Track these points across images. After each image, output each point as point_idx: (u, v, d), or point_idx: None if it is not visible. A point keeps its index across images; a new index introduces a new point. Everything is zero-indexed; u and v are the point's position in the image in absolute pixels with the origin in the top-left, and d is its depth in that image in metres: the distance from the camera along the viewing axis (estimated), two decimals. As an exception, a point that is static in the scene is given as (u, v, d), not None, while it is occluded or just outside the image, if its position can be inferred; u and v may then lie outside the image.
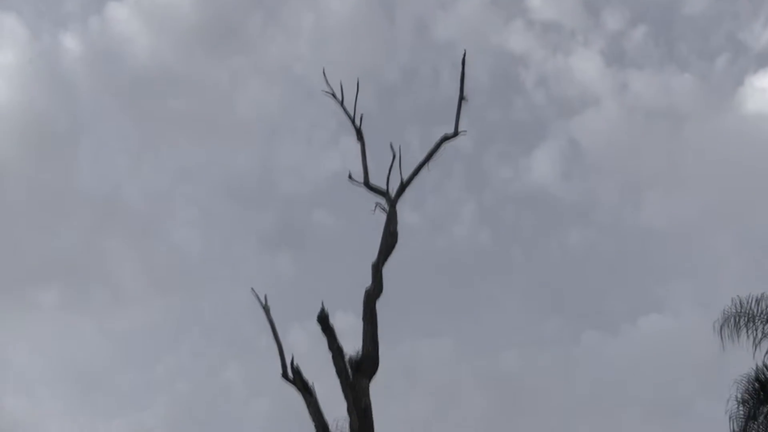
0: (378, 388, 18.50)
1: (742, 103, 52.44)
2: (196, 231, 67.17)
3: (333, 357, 18.54)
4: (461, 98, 20.58)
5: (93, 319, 68.82)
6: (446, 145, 20.35)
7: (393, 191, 20.24)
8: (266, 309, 19.43)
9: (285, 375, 18.48)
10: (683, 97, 54.56)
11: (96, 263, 65.08)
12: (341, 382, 18.23)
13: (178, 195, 56.97)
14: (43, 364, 72.07)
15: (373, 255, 19.67)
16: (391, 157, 20.03)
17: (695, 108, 54.35)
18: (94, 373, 72.57)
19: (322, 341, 18.77)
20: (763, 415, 19.58)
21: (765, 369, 19.91)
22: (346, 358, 18.47)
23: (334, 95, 20.92)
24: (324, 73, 20.99)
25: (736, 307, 20.77)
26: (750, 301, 20.60)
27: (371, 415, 17.85)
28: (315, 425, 17.70)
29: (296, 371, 18.42)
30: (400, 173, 20.18)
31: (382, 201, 20.21)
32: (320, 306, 18.68)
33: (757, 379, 19.92)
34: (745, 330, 20.41)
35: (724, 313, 20.76)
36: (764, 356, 20.07)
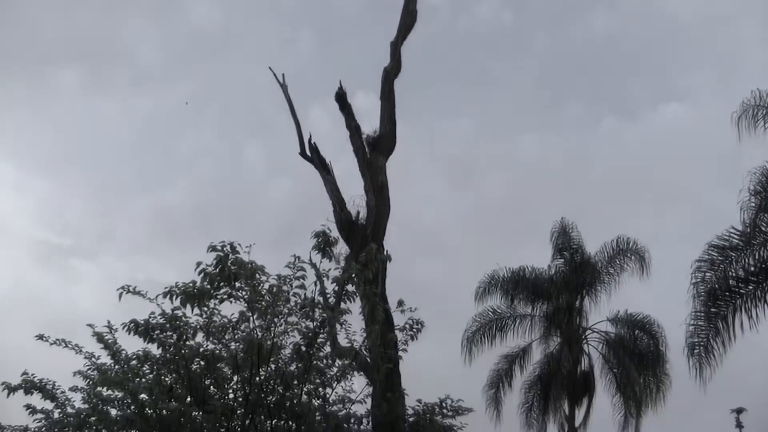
0: (396, 167, 18.70)
1: None
2: (217, 9, 65.87)
3: (350, 135, 18.61)
4: None
5: (114, 100, 68.81)
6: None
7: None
8: (284, 87, 19.29)
9: (303, 153, 18.62)
10: None
11: (116, 43, 64.35)
12: (358, 161, 18.38)
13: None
14: (67, 145, 72.85)
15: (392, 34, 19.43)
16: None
17: None
18: (118, 154, 73.50)
19: (341, 122, 18.82)
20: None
21: (779, 162, 19.94)
22: (364, 136, 18.54)
23: None
24: None
25: (755, 99, 20.59)
26: (769, 93, 20.41)
27: (388, 193, 18.13)
28: (332, 203, 17.99)
29: (314, 149, 18.54)
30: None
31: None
32: (338, 84, 18.62)
33: (770, 171, 19.98)
34: (762, 122, 20.35)
35: (742, 105, 20.62)
36: (779, 149, 20.07)
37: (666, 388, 29.31)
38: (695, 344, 19.70)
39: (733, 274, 19.71)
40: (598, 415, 29.74)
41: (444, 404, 15.73)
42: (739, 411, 38.22)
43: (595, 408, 29.80)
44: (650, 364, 29.50)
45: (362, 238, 16.83)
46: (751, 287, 19.51)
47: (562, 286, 29.99)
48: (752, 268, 19.55)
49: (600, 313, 30.37)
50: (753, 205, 19.48)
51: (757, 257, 19.53)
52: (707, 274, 19.76)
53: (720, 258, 19.79)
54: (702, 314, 19.71)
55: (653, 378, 29.47)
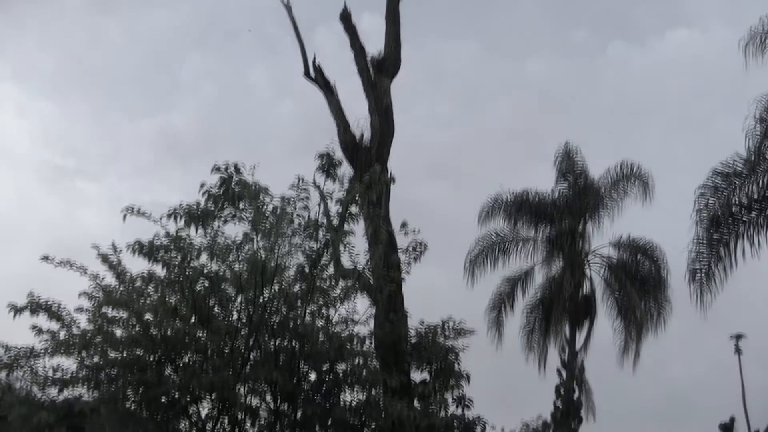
0: (401, 89, 18.51)
1: None
2: None
3: (355, 56, 18.38)
4: None
5: (120, 20, 67.97)
6: None
7: None
8: (288, 9, 18.96)
9: (307, 74, 18.38)
10: None
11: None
12: (363, 82, 18.18)
13: None
14: (72, 67, 72.24)
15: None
16: None
17: None
18: (122, 76, 72.94)
19: (346, 44, 18.58)
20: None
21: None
22: (369, 58, 18.31)
23: None
24: None
25: (763, 26, 20.23)
26: (776, 20, 20.04)
27: (392, 114, 17.96)
28: (336, 124, 17.83)
29: (318, 70, 18.31)
30: None
31: None
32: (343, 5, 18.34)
33: (776, 98, 19.76)
34: (769, 50, 20.04)
35: (750, 32, 20.26)
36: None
37: (666, 314, 29.50)
38: (697, 270, 19.73)
39: (737, 201, 19.62)
40: (598, 339, 30.00)
41: (446, 325, 15.85)
42: (738, 337, 38.64)
43: (596, 332, 30.05)
44: (651, 289, 29.64)
45: (366, 160, 16.72)
46: (753, 214, 19.44)
47: (565, 209, 29.97)
48: (755, 195, 19.45)
49: (603, 237, 30.41)
50: (758, 132, 19.30)
51: (760, 184, 19.40)
52: (710, 200, 19.68)
53: (724, 185, 19.68)
54: (704, 240, 19.69)
55: (654, 303, 29.64)
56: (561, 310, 28.76)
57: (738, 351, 38.47)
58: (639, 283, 29.55)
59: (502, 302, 30.22)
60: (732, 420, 35.86)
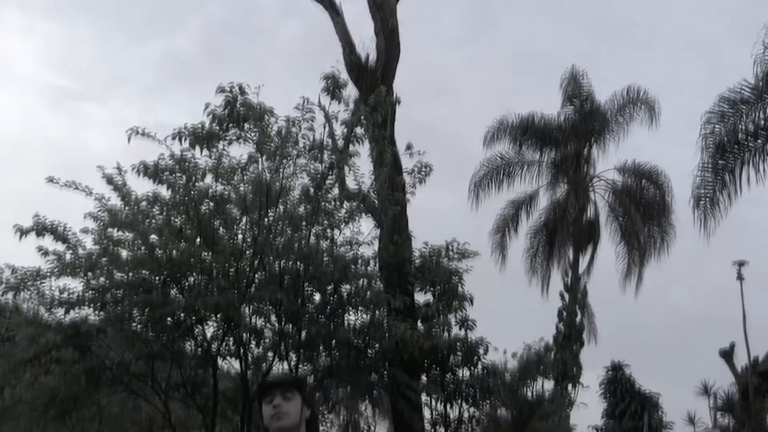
0: (407, 9, 18.24)
1: None
2: None
3: (361, -24, 18.05)
4: None
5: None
6: None
7: None
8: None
9: (313, -7, 18.07)
10: None
11: None
12: (369, 2, 17.91)
13: None
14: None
15: None
16: None
17: None
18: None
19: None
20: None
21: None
22: (374, -20, 17.99)
23: None
24: None
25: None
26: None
27: (398, 35, 17.73)
28: (342, 45, 17.62)
29: (323, -15, 17.99)
30: None
31: None
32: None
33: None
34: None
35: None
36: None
37: (670, 239, 29.60)
38: (701, 196, 19.70)
39: (743, 128, 19.50)
40: (601, 263, 30.18)
41: (450, 247, 15.93)
42: (740, 264, 38.69)
43: (599, 256, 30.22)
44: (655, 214, 29.68)
45: (372, 81, 16.54)
46: (759, 141, 19.32)
47: (570, 133, 29.82)
48: (762, 123, 19.32)
49: (608, 162, 30.36)
50: (767, 58, 19.07)
51: (767, 112, 19.27)
52: (717, 126, 19.55)
53: (730, 111, 19.52)
54: (709, 167, 19.61)
55: (658, 228, 29.71)
56: (565, 234, 28.84)
57: (740, 277, 38.52)
58: (643, 208, 29.57)
59: (506, 225, 30.32)
60: (732, 346, 36.16)
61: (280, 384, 3.61)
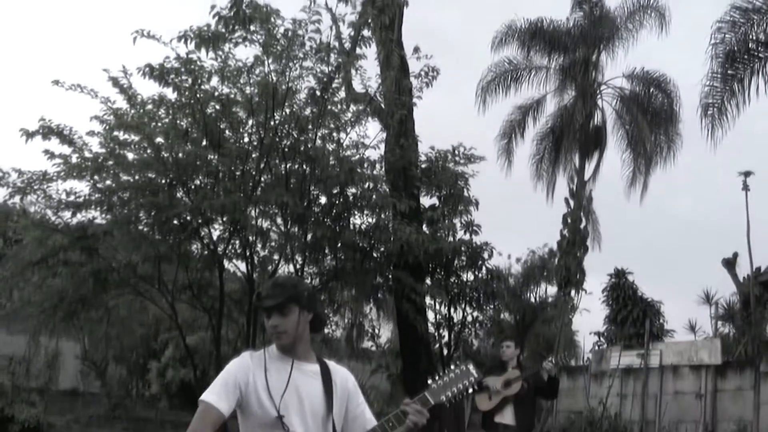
0: None
1: None
2: None
3: None
4: None
5: None
6: None
7: None
8: None
9: None
10: None
11: None
12: None
13: None
14: None
15: None
16: None
17: None
18: None
19: None
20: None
21: None
22: None
23: None
24: None
25: None
26: None
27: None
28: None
29: None
30: None
31: None
32: None
33: None
34: None
35: None
36: None
37: (677, 148, 29.35)
38: (709, 105, 19.48)
39: (754, 38, 19.20)
40: (607, 170, 30.14)
41: (456, 151, 15.91)
42: (746, 174, 38.55)
43: (605, 163, 30.10)
44: (663, 122, 29.40)
45: (379, -18, 16.28)
46: (770, 52, 19.08)
47: (579, 39, 29.34)
48: (773, 33, 19.02)
49: (616, 68, 30.03)
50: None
51: (779, 22, 18.95)
52: (727, 35, 19.24)
53: (742, 20, 19.15)
54: (718, 75, 19.33)
55: (665, 136, 29.48)
56: (571, 140, 28.65)
57: (746, 188, 38.45)
58: (650, 115, 29.27)
59: (513, 130, 30.10)
60: (735, 255, 36.23)
61: (273, 306, 3.58)
